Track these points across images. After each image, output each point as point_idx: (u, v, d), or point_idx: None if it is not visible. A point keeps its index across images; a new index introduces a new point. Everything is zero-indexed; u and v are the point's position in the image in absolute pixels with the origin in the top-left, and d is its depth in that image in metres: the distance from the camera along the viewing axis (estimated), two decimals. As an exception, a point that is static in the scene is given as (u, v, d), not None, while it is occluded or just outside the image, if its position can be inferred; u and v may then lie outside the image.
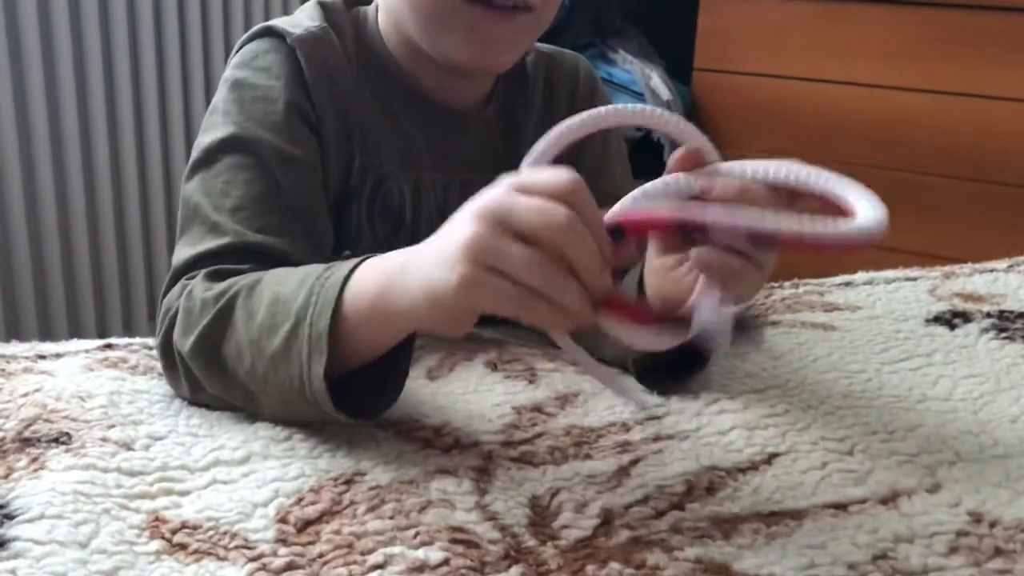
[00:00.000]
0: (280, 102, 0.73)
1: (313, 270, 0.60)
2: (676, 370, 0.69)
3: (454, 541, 0.50)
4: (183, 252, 0.69)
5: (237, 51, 0.78)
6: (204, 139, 0.73)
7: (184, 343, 0.63)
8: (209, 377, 0.63)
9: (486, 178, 0.87)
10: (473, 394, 0.68)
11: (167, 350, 0.65)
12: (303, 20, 0.78)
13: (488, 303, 0.50)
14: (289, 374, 0.58)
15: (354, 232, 0.80)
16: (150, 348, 0.73)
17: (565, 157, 0.83)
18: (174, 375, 0.65)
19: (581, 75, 0.91)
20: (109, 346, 0.75)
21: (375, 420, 0.62)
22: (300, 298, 0.59)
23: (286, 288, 0.60)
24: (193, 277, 0.66)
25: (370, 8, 0.83)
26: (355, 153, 0.78)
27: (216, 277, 0.65)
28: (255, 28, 0.78)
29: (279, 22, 0.77)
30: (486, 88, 0.85)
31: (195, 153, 0.73)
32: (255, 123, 0.72)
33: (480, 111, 0.85)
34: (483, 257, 0.49)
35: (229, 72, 0.77)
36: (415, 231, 0.82)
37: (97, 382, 0.67)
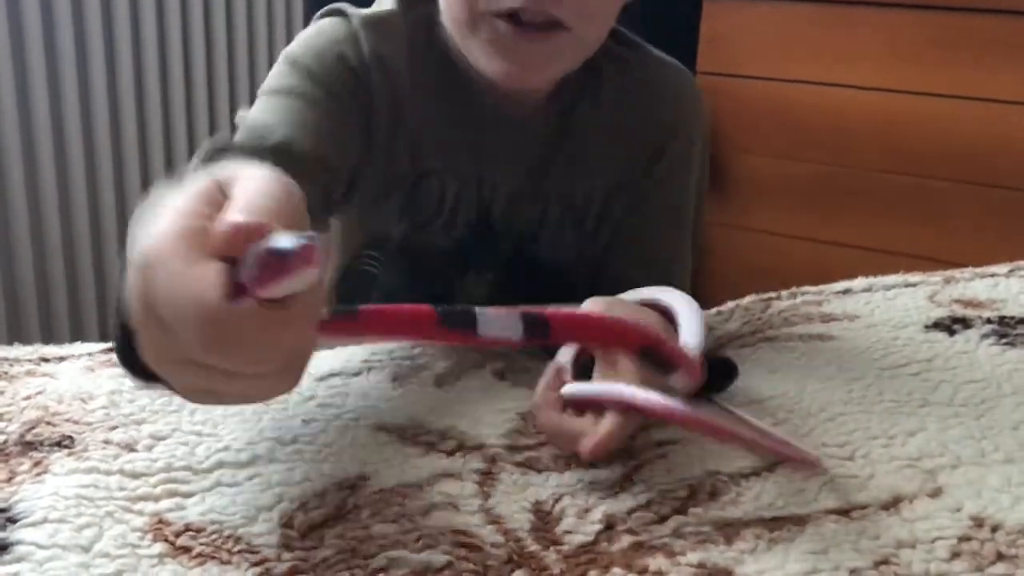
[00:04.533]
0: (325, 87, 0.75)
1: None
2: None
3: (457, 544, 0.50)
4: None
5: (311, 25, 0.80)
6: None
7: None
8: None
9: (530, 180, 0.84)
10: (479, 401, 0.68)
11: None
12: (384, 3, 0.80)
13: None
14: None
15: (392, 219, 0.82)
16: None
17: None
18: None
19: (671, 98, 0.87)
20: (112, 350, 0.74)
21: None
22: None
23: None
24: None
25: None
26: (404, 143, 0.80)
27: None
28: (328, 6, 0.80)
29: (351, 5, 0.79)
30: (544, 91, 0.82)
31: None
32: (299, 77, 0.75)
33: (536, 112, 0.83)
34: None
35: (291, 45, 0.79)
36: (451, 225, 0.84)
37: (97, 382, 0.67)
